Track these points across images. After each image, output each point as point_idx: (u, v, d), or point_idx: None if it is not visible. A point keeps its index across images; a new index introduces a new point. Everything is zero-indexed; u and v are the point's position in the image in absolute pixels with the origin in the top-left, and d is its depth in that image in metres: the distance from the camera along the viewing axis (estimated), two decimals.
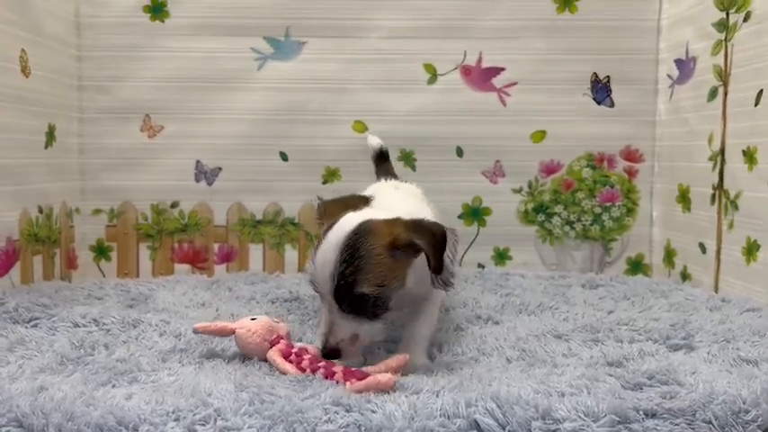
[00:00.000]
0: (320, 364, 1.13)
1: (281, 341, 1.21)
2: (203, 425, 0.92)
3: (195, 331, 1.27)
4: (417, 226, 1.16)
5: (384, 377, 1.04)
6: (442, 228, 1.17)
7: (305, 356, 1.16)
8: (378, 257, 1.13)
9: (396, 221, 1.16)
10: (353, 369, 1.11)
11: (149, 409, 0.94)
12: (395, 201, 1.39)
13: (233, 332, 1.25)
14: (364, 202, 1.29)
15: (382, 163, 1.90)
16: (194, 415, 0.93)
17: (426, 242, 1.13)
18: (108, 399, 0.98)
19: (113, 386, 1.07)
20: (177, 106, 2.17)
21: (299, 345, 1.22)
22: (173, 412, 0.94)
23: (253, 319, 1.26)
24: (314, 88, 2.18)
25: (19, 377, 1.09)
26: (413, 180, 2.14)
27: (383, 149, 1.91)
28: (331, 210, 1.24)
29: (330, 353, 1.14)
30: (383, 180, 1.77)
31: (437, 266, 1.14)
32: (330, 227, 1.17)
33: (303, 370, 1.13)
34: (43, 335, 1.35)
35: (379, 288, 1.13)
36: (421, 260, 1.17)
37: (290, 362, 1.16)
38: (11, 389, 1.01)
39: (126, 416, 0.92)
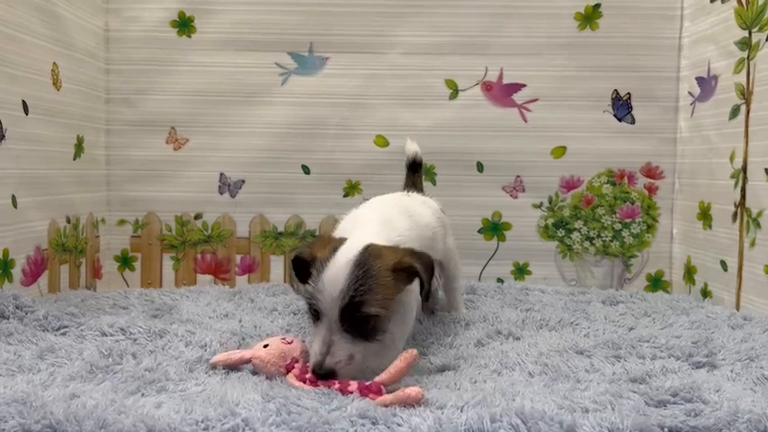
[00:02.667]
0: (336, 386, 1.13)
1: (296, 365, 1.21)
2: None
3: (214, 365, 1.27)
4: (414, 252, 1.25)
5: (413, 390, 1.05)
6: (429, 256, 1.27)
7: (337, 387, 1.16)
8: (384, 279, 1.18)
9: (395, 248, 1.24)
10: (368, 383, 1.11)
11: (179, 418, 0.96)
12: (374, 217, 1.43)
13: (250, 361, 1.26)
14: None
15: (411, 174, 1.92)
16: (223, 424, 0.94)
17: (422, 267, 1.22)
18: (138, 407, 1.00)
19: (143, 395, 1.09)
20: (202, 119, 2.21)
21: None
22: (202, 421, 0.95)
23: (265, 346, 1.25)
24: (336, 103, 2.21)
25: (50, 384, 1.11)
26: (433, 194, 2.17)
27: (417, 159, 1.91)
28: (321, 241, 1.28)
29: (326, 374, 1.15)
30: (406, 192, 1.82)
31: (429, 290, 1.23)
32: (334, 250, 1.20)
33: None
34: (72, 343, 1.37)
35: (383, 309, 1.18)
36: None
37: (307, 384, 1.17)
38: (44, 396, 1.03)
39: (156, 424, 0.93)
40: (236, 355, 1.28)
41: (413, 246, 1.31)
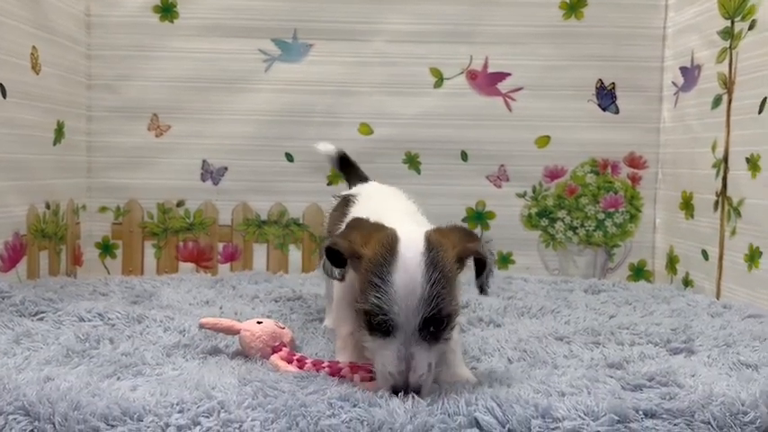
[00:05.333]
0: (324, 365, 1.13)
1: (284, 349, 1.22)
2: (207, 417, 0.93)
3: (201, 326, 1.28)
4: (467, 233, 1.11)
5: None
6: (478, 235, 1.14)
7: (307, 361, 1.17)
8: (453, 271, 1.05)
9: (450, 232, 1.10)
10: (360, 363, 1.11)
11: (154, 400, 0.95)
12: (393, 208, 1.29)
13: (238, 332, 1.26)
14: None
15: (350, 168, 1.78)
16: (198, 407, 0.94)
17: (485, 250, 1.08)
18: (113, 390, 0.99)
19: (118, 378, 1.09)
20: (185, 106, 2.20)
21: (299, 355, 1.22)
22: (177, 404, 0.95)
23: (259, 323, 1.26)
24: (320, 90, 2.20)
25: (25, 368, 1.10)
26: (418, 183, 2.18)
27: (342, 154, 1.77)
28: (361, 232, 1.09)
29: (413, 392, 1.01)
30: (359, 184, 1.66)
31: (489, 273, 1.09)
32: (391, 248, 1.03)
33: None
34: (49, 328, 1.36)
35: (457, 306, 1.06)
36: None
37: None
38: (17, 379, 1.02)
39: (131, 407, 0.93)
40: (225, 322, 1.28)
41: None
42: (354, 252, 1.06)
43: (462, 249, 1.06)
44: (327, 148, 1.78)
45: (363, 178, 1.74)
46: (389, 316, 1.00)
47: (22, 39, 1.78)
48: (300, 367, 1.15)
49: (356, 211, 1.31)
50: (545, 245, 2.26)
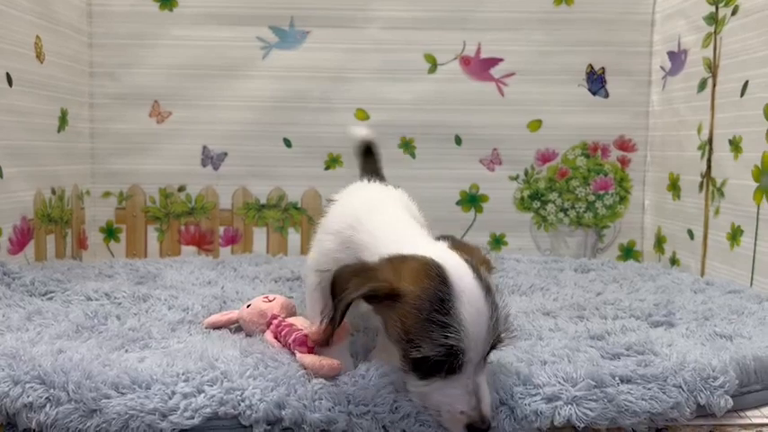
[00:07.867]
0: (290, 340, 1.15)
1: (273, 323, 1.26)
2: (211, 385, 0.99)
3: (206, 327, 1.34)
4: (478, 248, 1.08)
5: (331, 362, 1.05)
6: None
7: (283, 333, 1.20)
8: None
9: (468, 248, 1.05)
10: (301, 335, 1.13)
11: (161, 370, 1.02)
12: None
13: (237, 321, 1.34)
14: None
15: (368, 159, 1.71)
16: (203, 376, 1.01)
17: None
18: (122, 361, 1.06)
19: (126, 351, 1.15)
20: (185, 93, 2.24)
21: (288, 320, 1.25)
22: (182, 374, 1.01)
23: (248, 306, 1.33)
24: (317, 77, 2.25)
25: (39, 342, 1.16)
26: (413, 167, 2.24)
27: (370, 143, 1.70)
28: (392, 267, 0.97)
29: (489, 427, 0.93)
30: (366, 180, 1.49)
31: None
32: (438, 276, 0.93)
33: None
34: (58, 306, 1.43)
35: None
36: None
37: (278, 341, 1.21)
38: (32, 351, 1.08)
39: (139, 376, 0.99)
40: (225, 316, 1.35)
41: None
42: (394, 290, 0.94)
43: (489, 267, 1.03)
44: (361, 131, 1.71)
45: (374, 173, 1.63)
46: (459, 353, 0.91)
47: (27, 29, 1.82)
48: (286, 342, 1.19)
49: (332, 218, 1.23)
50: (537, 226, 2.32)
